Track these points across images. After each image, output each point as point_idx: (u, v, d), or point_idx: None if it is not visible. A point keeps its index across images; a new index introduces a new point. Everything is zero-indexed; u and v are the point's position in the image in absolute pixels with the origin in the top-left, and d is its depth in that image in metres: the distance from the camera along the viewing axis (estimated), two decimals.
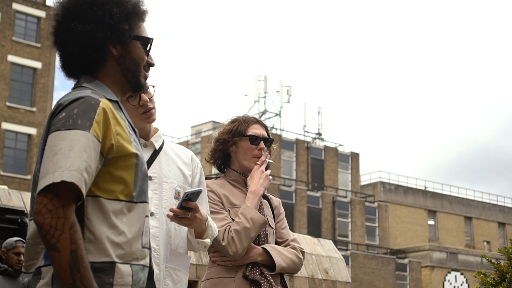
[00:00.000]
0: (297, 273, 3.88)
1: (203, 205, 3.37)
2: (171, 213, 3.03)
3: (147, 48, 2.46)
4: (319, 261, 11.67)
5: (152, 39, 2.47)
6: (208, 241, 3.27)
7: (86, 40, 2.32)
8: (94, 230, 2.18)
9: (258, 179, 3.77)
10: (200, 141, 43.32)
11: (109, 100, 2.32)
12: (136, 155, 2.29)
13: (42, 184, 2.09)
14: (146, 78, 2.49)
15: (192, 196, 2.97)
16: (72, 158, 2.10)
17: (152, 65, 2.50)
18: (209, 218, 3.26)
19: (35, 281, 2.18)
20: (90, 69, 2.38)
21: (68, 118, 2.18)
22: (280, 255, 3.72)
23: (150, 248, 2.39)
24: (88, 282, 2.05)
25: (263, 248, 3.70)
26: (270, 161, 3.89)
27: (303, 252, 3.86)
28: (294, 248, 3.83)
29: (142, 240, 2.30)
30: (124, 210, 2.25)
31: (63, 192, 2.08)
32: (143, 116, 3.28)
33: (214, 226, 3.32)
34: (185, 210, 3.02)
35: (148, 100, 3.29)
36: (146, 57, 2.45)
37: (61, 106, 2.23)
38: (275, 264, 3.67)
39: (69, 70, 2.43)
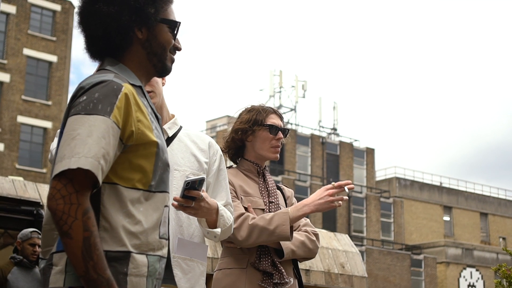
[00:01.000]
0: (313, 257, 3.77)
1: (223, 193, 3.28)
2: (175, 203, 2.92)
3: (175, 32, 2.40)
4: (335, 255, 11.61)
5: (180, 22, 2.41)
6: (218, 230, 3.12)
7: (110, 23, 2.27)
8: (109, 218, 2.13)
9: (317, 198, 3.59)
10: (215, 135, 43.32)
11: (132, 85, 2.26)
12: (157, 144, 2.23)
13: (57, 169, 2.04)
14: (173, 62, 2.43)
15: (195, 185, 2.87)
16: (90, 144, 2.05)
17: (179, 49, 2.44)
18: (221, 207, 3.13)
19: (48, 268, 2.14)
20: (115, 52, 2.33)
21: (89, 102, 2.12)
22: None
23: (168, 239, 2.32)
24: (101, 270, 2.00)
25: None
26: (347, 191, 3.59)
27: (316, 235, 3.77)
28: (306, 232, 3.75)
29: (159, 230, 2.25)
30: (141, 199, 2.19)
31: (78, 178, 2.03)
32: None
33: (227, 215, 3.17)
34: (189, 199, 2.91)
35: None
36: (173, 41, 2.40)
37: (83, 89, 2.17)
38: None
39: (93, 53, 2.37)
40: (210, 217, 3.07)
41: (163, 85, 3.32)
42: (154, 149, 2.22)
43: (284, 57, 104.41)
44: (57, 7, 37.16)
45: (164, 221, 2.28)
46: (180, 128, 3.33)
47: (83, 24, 2.33)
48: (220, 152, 3.36)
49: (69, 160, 2.03)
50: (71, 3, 37.63)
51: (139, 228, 2.17)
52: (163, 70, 2.40)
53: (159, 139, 2.25)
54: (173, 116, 3.35)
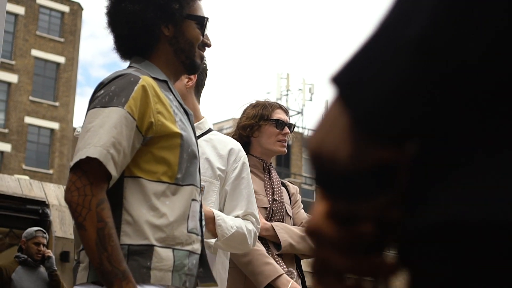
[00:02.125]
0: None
1: (243, 203, 3.07)
2: None
3: (203, 27, 2.38)
4: None
5: (207, 18, 2.39)
6: (212, 241, 2.93)
7: (136, 21, 2.28)
8: (132, 212, 2.11)
9: None
10: None
11: (155, 79, 2.25)
12: (181, 135, 2.20)
13: (72, 162, 2.05)
14: (202, 58, 2.41)
15: None
16: (101, 134, 2.05)
17: (209, 45, 2.43)
18: (219, 217, 2.93)
19: (76, 266, 2.14)
20: (142, 50, 2.34)
21: (105, 95, 2.13)
22: (287, 231, 3.57)
23: (201, 234, 2.28)
24: (116, 262, 1.97)
25: (271, 224, 3.57)
26: None
27: None
28: None
29: (188, 224, 2.21)
30: (167, 193, 2.17)
31: (92, 170, 2.03)
32: None
33: (227, 225, 2.95)
34: None
35: None
36: (201, 37, 2.38)
37: (102, 85, 2.20)
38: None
39: (123, 53, 2.39)
40: (207, 227, 2.89)
41: (189, 86, 3.13)
42: (178, 141, 2.20)
43: (292, 60, 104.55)
44: (65, 8, 37.24)
45: (192, 215, 2.24)
46: (207, 132, 3.20)
47: (111, 25, 2.35)
48: (243, 159, 3.16)
49: (81, 151, 2.04)
50: (79, 5, 37.73)
51: (164, 221, 2.14)
52: (192, 67, 2.39)
53: (183, 131, 2.22)
54: (201, 118, 3.20)
